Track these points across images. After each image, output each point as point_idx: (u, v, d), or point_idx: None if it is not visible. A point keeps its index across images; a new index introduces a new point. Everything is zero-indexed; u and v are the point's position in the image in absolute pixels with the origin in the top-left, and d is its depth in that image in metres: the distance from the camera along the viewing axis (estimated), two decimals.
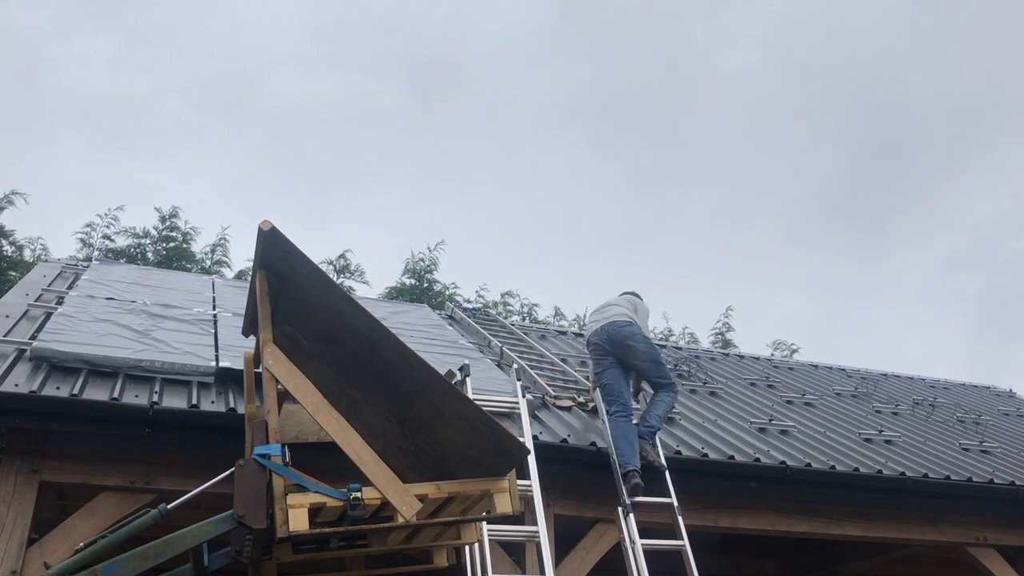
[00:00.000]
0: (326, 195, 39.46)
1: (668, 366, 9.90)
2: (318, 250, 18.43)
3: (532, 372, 7.97)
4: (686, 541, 5.97)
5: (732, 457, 6.75)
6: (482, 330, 9.73)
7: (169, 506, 4.27)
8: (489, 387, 6.73)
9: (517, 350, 8.97)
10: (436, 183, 40.99)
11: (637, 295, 7.50)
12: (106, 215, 16.54)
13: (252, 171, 38.03)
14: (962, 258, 40.58)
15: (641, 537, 5.88)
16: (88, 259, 13.49)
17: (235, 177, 37.23)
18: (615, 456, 6.20)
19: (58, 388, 5.40)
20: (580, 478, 6.31)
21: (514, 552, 5.87)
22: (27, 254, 15.22)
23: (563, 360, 9.08)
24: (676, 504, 6.14)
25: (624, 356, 6.89)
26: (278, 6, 44.23)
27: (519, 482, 4.51)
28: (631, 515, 5.95)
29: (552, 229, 39.64)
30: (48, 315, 7.03)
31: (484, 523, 5.31)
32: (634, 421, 6.56)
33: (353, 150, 40.70)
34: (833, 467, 7.04)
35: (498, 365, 8.25)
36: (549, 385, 7.69)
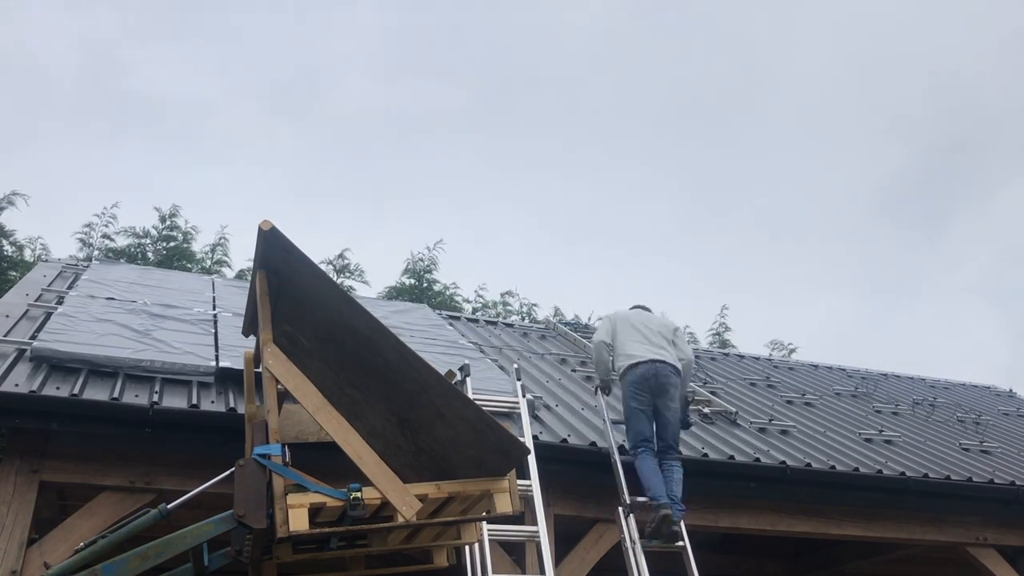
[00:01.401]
0: (383, 199, 39.40)
1: None
2: (331, 250, 18.40)
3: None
4: (686, 541, 5.97)
5: (732, 457, 6.75)
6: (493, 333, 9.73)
7: (169, 506, 4.28)
8: (489, 387, 6.73)
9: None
10: (482, 188, 41.01)
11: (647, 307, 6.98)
12: (104, 214, 16.55)
13: (311, 174, 38.10)
14: (1017, 255, 39.95)
15: (641, 537, 5.88)
16: (88, 259, 13.48)
17: (291, 180, 37.37)
18: (648, 492, 5.90)
19: (58, 388, 5.40)
20: (580, 478, 6.31)
21: (514, 552, 5.87)
22: (27, 254, 15.24)
23: (562, 360, 9.09)
24: None
25: (658, 398, 6.30)
26: (346, 12, 44.20)
27: (519, 482, 4.51)
28: (631, 515, 5.95)
29: (599, 234, 39.46)
30: (48, 315, 7.02)
31: (484, 523, 5.31)
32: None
33: (411, 155, 40.49)
34: (833, 467, 7.04)
35: (498, 365, 8.25)
36: None
